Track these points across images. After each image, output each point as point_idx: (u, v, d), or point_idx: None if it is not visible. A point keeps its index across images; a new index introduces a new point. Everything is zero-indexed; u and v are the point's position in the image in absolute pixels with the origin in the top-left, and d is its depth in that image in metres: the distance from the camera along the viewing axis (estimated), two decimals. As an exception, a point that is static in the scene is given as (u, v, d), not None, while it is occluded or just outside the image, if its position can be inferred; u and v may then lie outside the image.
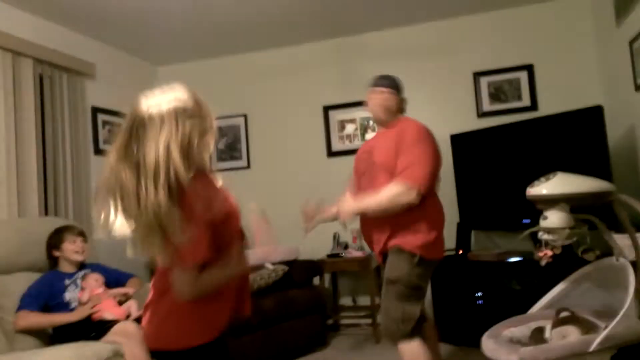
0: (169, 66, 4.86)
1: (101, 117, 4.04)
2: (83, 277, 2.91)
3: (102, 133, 4.05)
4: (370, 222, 2.44)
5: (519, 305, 2.31)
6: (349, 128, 4.45)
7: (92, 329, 2.65)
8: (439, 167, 2.40)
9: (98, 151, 3.98)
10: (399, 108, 2.54)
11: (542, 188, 1.91)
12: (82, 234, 2.99)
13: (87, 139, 3.82)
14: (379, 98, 2.49)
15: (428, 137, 2.39)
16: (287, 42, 4.51)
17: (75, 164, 3.65)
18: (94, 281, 2.88)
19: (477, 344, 1.99)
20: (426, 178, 2.27)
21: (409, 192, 2.22)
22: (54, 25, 3.70)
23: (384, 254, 2.43)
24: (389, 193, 2.24)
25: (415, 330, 2.28)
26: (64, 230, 2.94)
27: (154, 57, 4.67)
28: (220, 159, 4.75)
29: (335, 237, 4.24)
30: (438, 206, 2.45)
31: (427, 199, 2.33)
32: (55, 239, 2.92)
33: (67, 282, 2.87)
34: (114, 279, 3.09)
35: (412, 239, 2.30)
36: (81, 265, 2.99)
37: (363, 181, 2.51)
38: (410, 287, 2.29)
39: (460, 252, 3.70)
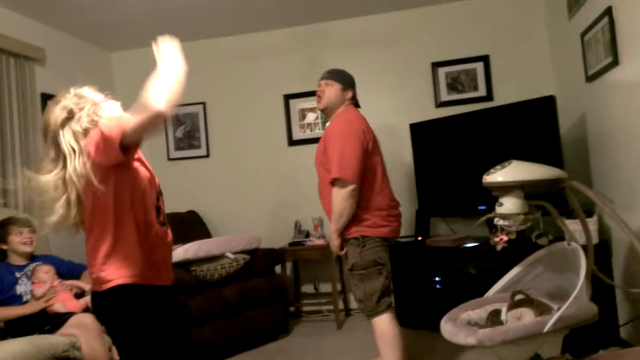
0: (123, 52, 4.70)
1: (52, 104, 3.88)
2: (32, 270, 2.80)
3: (54, 120, 3.88)
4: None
5: (476, 289, 2.38)
6: (310, 117, 4.44)
7: (47, 322, 2.56)
8: (360, 154, 2.47)
9: (49, 139, 3.83)
10: (341, 101, 2.65)
11: (497, 175, 1.96)
12: (28, 224, 2.87)
13: (36, 127, 3.65)
14: (318, 90, 2.68)
15: (349, 129, 2.51)
16: (248, 29, 4.44)
17: (24, 153, 3.49)
18: (44, 274, 2.77)
19: (436, 328, 2.04)
20: (350, 168, 2.43)
21: (344, 189, 2.43)
22: (0, 9, 3.51)
23: None
24: (335, 203, 2.48)
25: (382, 300, 2.48)
26: (8, 223, 2.82)
27: (107, 43, 4.50)
28: (179, 147, 4.66)
29: (297, 226, 4.24)
30: (367, 192, 2.54)
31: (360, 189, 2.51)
32: (1, 232, 2.81)
33: (17, 274, 2.76)
34: (67, 270, 3.00)
35: (350, 227, 2.53)
36: (32, 257, 2.89)
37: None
38: (365, 267, 2.49)
39: (419, 238, 3.77)
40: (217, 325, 3.33)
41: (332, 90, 2.64)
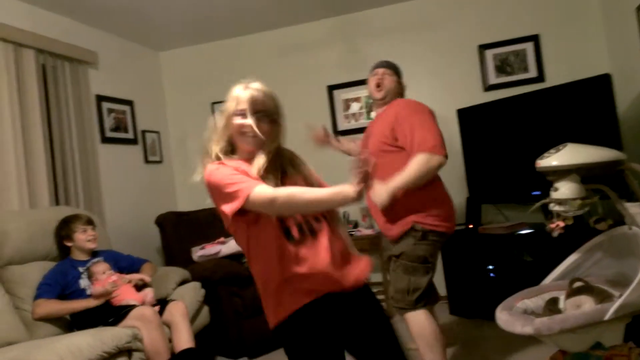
0: (170, 51, 4.82)
1: (106, 105, 4.03)
2: (89, 269, 2.89)
3: (108, 121, 4.05)
4: (381, 214, 2.48)
5: (532, 277, 2.32)
6: (354, 107, 4.43)
7: (110, 314, 2.68)
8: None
9: (105, 139, 3.99)
10: (397, 92, 2.61)
11: (552, 159, 1.90)
12: (90, 222, 3.00)
13: (93, 128, 3.81)
14: (376, 78, 2.60)
15: (420, 106, 2.46)
16: (289, 22, 4.46)
17: (82, 153, 3.65)
18: (101, 274, 2.86)
19: (491, 317, 2.00)
20: (438, 140, 2.33)
21: (433, 157, 2.29)
22: (54, 15, 3.67)
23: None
24: (417, 164, 2.28)
25: (422, 301, 2.37)
26: (73, 221, 2.95)
27: (155, 43, 4.63)
28: (227, 142, 4.74)
29: (345, 216, 4.25)
30: (435, 184, 2.47)
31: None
32: (66, 230, 2.94)
33: (81, 269, 2.89)
34: (127, 264, 3.13)
35: (415, 216, 2.38)
36: (94, 253, 3.02)
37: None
38: (414, 260, 2.37)
39: (471, 226, 3.70)
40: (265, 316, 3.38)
41: (391, 81, 2.59)
